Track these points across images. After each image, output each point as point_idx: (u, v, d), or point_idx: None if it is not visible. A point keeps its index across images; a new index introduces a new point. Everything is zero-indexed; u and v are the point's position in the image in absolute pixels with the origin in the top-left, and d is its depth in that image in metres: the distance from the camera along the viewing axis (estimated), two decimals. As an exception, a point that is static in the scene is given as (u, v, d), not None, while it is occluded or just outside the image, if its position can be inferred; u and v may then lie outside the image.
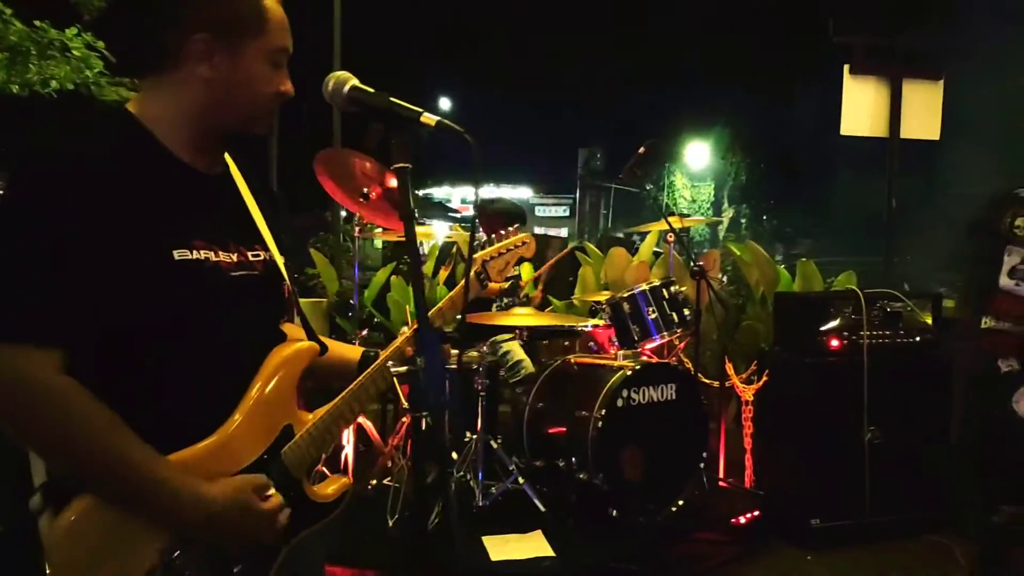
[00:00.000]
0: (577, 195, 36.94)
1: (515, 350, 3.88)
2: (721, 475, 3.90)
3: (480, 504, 3.20)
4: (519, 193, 41.03)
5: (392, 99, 1.18)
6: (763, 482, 3.81)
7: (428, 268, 5.19)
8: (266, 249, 1.39)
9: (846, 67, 4.91)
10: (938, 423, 3.75)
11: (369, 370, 1.42)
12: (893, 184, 5.01)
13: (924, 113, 4.94)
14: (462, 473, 3.24)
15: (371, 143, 1.18)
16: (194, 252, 1.24)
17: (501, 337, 3.93)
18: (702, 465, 3.48)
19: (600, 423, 3.10)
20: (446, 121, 1.17)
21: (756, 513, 3.61)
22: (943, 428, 3.80)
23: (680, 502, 3.35)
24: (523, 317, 3.37)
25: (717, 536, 3.52)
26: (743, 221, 26.75)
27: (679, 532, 3.44)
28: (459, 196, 39.26)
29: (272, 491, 1.27)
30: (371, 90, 1.19)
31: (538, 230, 40.91)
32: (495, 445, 3.24)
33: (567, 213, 40.47)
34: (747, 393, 3.97)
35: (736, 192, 26.42)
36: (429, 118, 1.17)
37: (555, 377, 3.45)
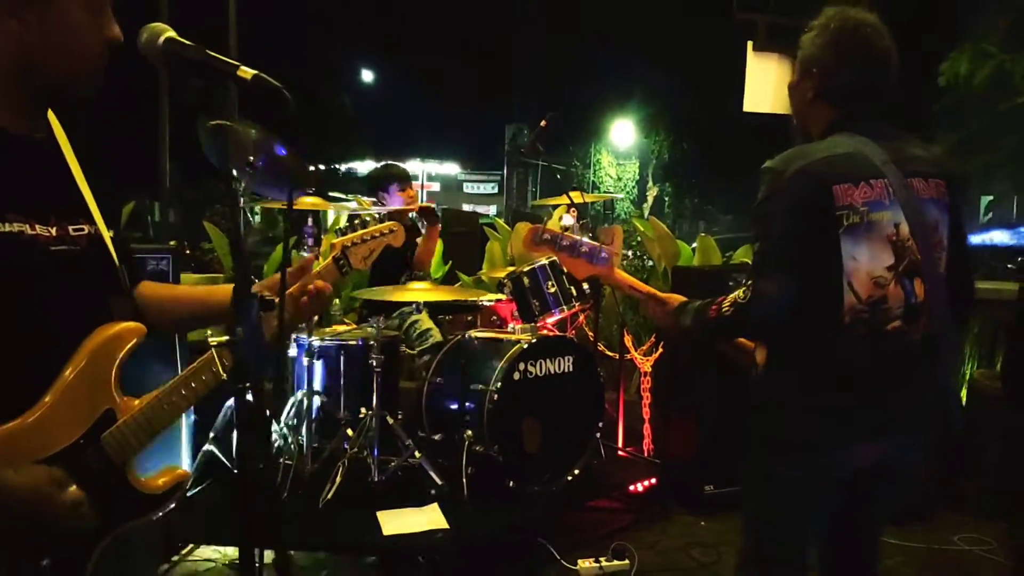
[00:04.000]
0: (505, 172, 36.84)
1: (423, 319, 3.85)
2: (620, 445, 3.97)
3: (376, 479, 3.17)
4: (446, 169, 40.61)
5: (209, 52, 1.11)
6: (661, 451, 3.89)
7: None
8: (92, 223, 1.31)
9: (749, 44, 4.99)
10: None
11: (199, 360, 1.34)
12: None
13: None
14: (356, 449, 3.19)
15: (191, 99, 1.11)
16: (6, 225, 1.16)
17: (409, 309, 3.89)
18: (598, 435, 3.53)
19: (496, 396, 3.10)
20: (264, 76, 1.11)
21: (653, 481, 3.69)
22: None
23: (576, 471, 3.39)
24: (419, 292, 3.33)
25: (614, 504, 3.60)
26: (666, 199, 27.18)
27: (577, 500, 3.50)
28: (385, 171, 38.62)
29: (72, 486, 1.18)
30: (188, 43, 1.12)
31: (467, 207, 40.70)
32: (391, 421, 3.21)
33: (495, 190, 40.30)
34: (646, 365, 4.04)
35: (659, 171, 26.82)
36: (246, 71, 1.10)
37: (454, 351, 3.43)
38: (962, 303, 1.73)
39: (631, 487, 3.64)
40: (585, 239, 1.99)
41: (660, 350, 3.99)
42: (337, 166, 30.73)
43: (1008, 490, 3.04)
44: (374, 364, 3.17)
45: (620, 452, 3.93)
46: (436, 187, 40.67)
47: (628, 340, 3.98)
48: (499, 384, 3.10)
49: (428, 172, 40.30)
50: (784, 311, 1.59)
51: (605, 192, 29.30)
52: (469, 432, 3.14)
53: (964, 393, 4.33)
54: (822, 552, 1.82)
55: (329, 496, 3.01)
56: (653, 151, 27.37)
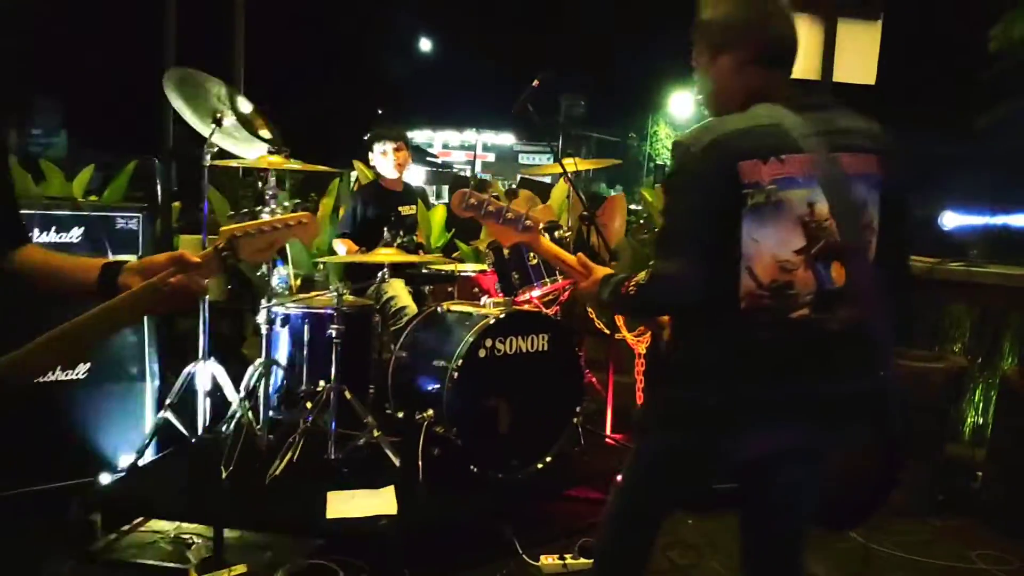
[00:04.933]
0: (560, 143, 36.35)
1: (400, 295, 3.66)
2: (608, 431, 3.73)
3: (333, 457, 3.01)
4: (502, 139, 40.36)
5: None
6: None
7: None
8: None
9: (780, 5, 4.60)
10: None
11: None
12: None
13: (859, 55, 4.65)
14: (312, 425, 3.03)
15: None
16: None
17: (391, 282, 3.70)
18: (578, 420, 3.30)
19: (456, 374, 2.89)
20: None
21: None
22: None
23: (549, 459, 3.17)
24: (384, 256, 3.13)
25: (595, 494, 3.37)
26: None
27: (551, 489, 3.28)
28: (440, 141, 38.55)
29: None
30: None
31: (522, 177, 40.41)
32: (348, 395, 3.03)
33: (550, 161, 39.89)
34: (639, 346, 3.77)
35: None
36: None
37: (424, 325, 3.23)
38: (899, 289, 1.61)
39: (616, 477, 3.40)
40: (509, 206, 1.94)
41: (655, 331, 3.72)
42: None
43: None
44: (333, 335, 2.99)
45: (607, 439, 3.69)
46: (491, 157, 40.54)
47: (620, 319, 3.71)
48: (460, 362, 2.89)
49: (484, 142, 40.12)
50: (684, 294, 1.52)
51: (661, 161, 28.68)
52: (429, 412, 2.95)
53: (986, 393, 3.96)
54: (744, 545, 1.76)
55: (277, 472, 2.86)
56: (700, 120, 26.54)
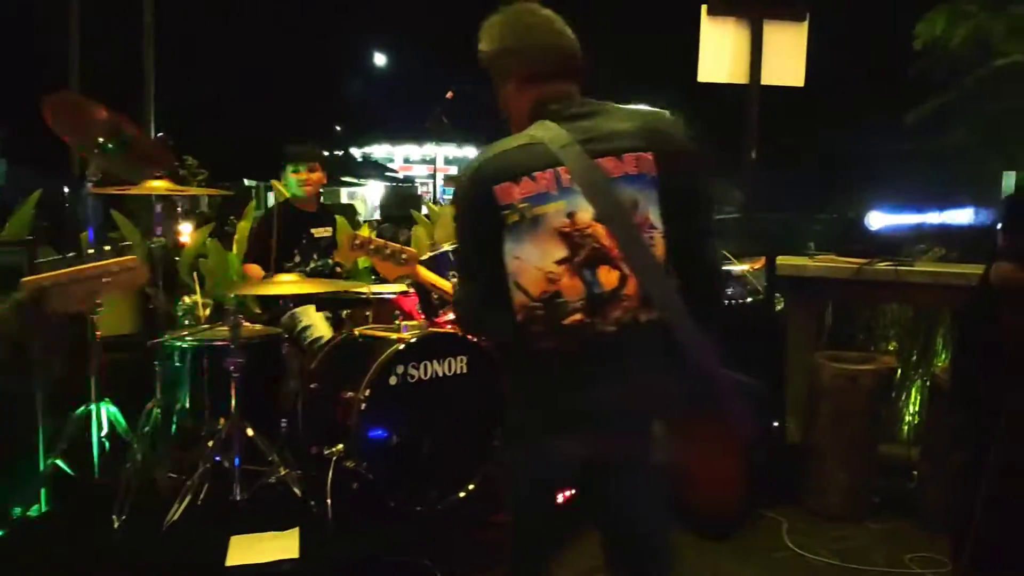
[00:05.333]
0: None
1: (315, 322, 3.51)
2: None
3: (237, 498, 2.85)
4: (464, 152, 40.23)
5: None
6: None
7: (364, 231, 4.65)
8: None
9: (703, 8, 4.55)
10: (770, 386, 3.51)
11: None
12: (750, 134, 4.70)
13: (787, 58, 4.61)
14: (213, 464, 2.86)
15: None
16: None
17: (303, 309, 3.55)
18: (497, 443, 3.17)
19: (364, 405, 2.76)
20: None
21: (570, 493, 3.33)
22: (775, 392, 3.56)
23: (471, 486, 3.04)
24: (288, 285, 2.99)
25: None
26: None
27: (477, 517, 3.15)
28: (401, 155, 38.32)
29: None
30: None
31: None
32: (251, 432, 2.87)
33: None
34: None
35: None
36: None
37: (335, 352, 3.09)
38: (700, 281, 1.64)
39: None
40: (390, 243, 2.30)
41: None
42: (351, 150, 30.53)
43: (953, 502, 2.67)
44: (232, 368, 2.84)
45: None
46: (454, 170, 40.36)
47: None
48: (368, 392, 2.76)
49: (445, 155, 39.94)
50: (472, 315, 1.72)
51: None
52: (339, 446, 2.80)
53: (920, 392, 3.92)
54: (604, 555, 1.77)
55: (175, 517, 2.70)
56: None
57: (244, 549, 2.60)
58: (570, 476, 1.66)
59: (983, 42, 4.13)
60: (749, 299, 3.47)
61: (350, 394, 2.80)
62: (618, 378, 1.56)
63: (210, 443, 2.88)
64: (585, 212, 1.55)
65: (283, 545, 2.63)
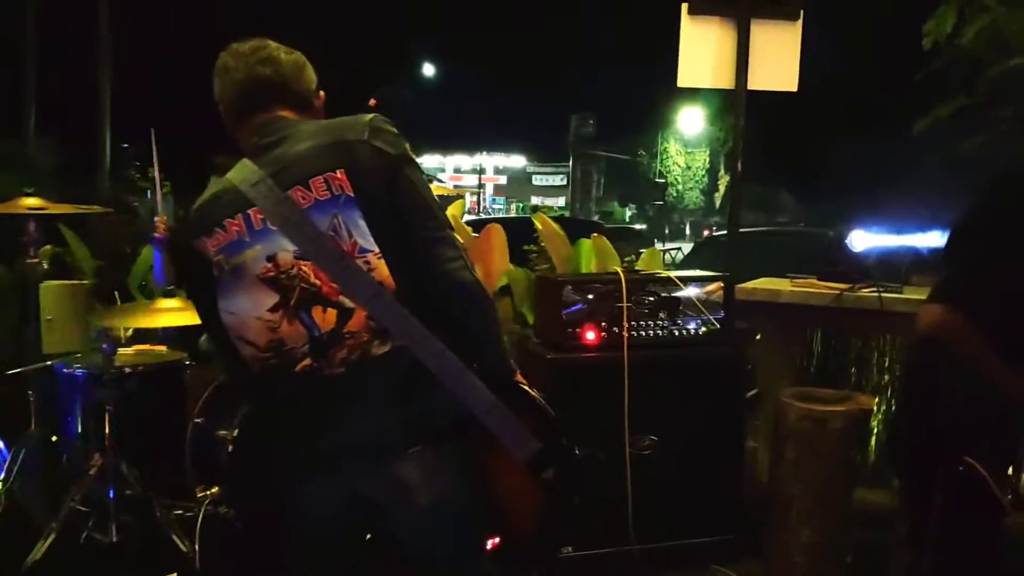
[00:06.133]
0: (570, 163, 36.07)
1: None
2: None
3: (114, 541, 2.63)
4: (513, 162, 40.27)
5: None
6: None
7: None
8: None
9: (684, 7, 4.18)
10: (727, 430, 3.13)
11: None
12: (739, 144, 4.30)
13: (778, 60, 4.20)
14: (79, 503, 2.64)
15: None
16: None
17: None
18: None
19: (231, 447, 2.50)
20: None
21: (496, 540, 3.01)
22: (734, 436, 3.17)
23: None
24: (167, 315, 2.75)
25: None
26: (721, 187, 25.77)
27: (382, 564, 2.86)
28: (452, 165, 38.43)
29: None
30: None
31: (535, 199, 40.20)
32: (125, 470, 2.65)
33: (564, 182, 39.62)
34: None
35: (722, 159, 25.44)
36: None
37: (225, 384, 2.84)
38: (438, 298, 1.52)
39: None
40: None
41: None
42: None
43: None
44: (104, 399, 2.62)
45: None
46: (503, 180, 40.39)
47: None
48: (237, 432, 2.50)
49: (495, 165, 39.96)
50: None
51: (660, 180, 28.14)
52: (214, 489, 2.55)
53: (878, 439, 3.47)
54: None
55: (37, 557, 2.49)
56: (719, 139, 26.00)
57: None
58: (342, 519, 1.56)
59: (999, 40, 3.67)
60: (702, 330, 3.08)
61: (223, 432, 2.54)
62: (354, 419, 1.49)
63: (83, 479, 2.66)
64: (286, 252, 1.48)
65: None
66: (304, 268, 1.47)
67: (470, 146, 37.68)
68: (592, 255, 3.64)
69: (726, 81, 4.21)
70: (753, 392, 3.77)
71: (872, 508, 3.29)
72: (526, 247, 4.10)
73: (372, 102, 3.39)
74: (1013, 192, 1.76)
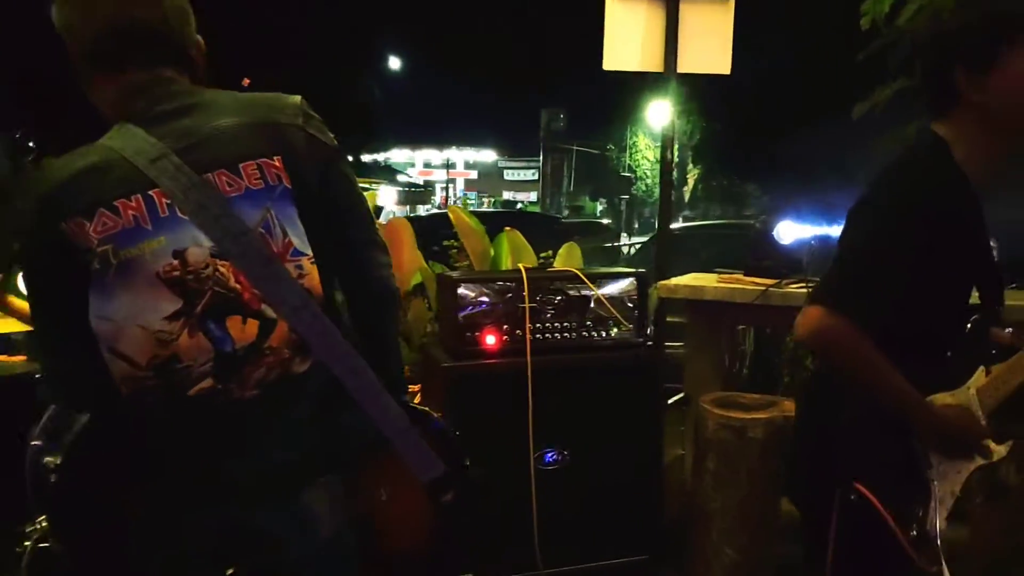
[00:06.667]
0: (541, 158, 35.88)
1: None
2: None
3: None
4: (483, 156, 39.95)
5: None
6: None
7: None
8: None
9: (608, -15, 3.91)
10: (644, 440, 2.86)
11: None
12: (671, 131, 4.05)
13: (710, 41, 3.96)
14: None
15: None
16: None
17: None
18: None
19: (55, 474, 2.19)
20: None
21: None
22: (651, 446, 2.91)
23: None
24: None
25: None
26: (689, 181, 25.70)
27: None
28: (421, 160, 38.02)
29: None
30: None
31: (507, 194, 39.96)
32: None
33: (536, 176, 39.39)
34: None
35: (689, 152, 25.29)
36: None
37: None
38: (366, 310, 1.39)
39: None
40: None
41: (417, 388, 3.02)
42: (367, 156, 30.21)
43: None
44: None
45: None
46: (474, 174, 40.08)
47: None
48: (60, 459, 2.19)
49: (465, 159, 39.61)
50: (58, 394, 1.39)
51: (627, 175, 28.00)
52: (43, 523, 2.25)
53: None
54: None
55: None
56: (686, 131, 25.84)
57: None
58: (211, 555, 1.30)
59: (937, 18, 3.43)
60: (613, 331, 2.82)
61: (49, 459, 2.23)
62: (264, 446, 1.26)
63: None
64: (199, 248, 1.20)
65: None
66: (221, 269, 1.21)
67: (440, 140, 37.34)
68: (506, 251, 3.36)
69: (655, 64, 3.97)
70: (679, 396, 3.53)
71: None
72: (445, 242, 3.79)
73: (245, 82, 3.08)
74: (898, 176, 1.51)
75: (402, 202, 29.11)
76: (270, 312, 1.24)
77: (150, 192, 1.19)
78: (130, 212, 1.18)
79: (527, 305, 2.73)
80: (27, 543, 2.38)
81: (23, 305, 1.57)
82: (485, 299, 2.76)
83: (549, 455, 2.76)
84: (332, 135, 1.36)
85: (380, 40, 28.42)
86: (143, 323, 1.19)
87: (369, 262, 1.39)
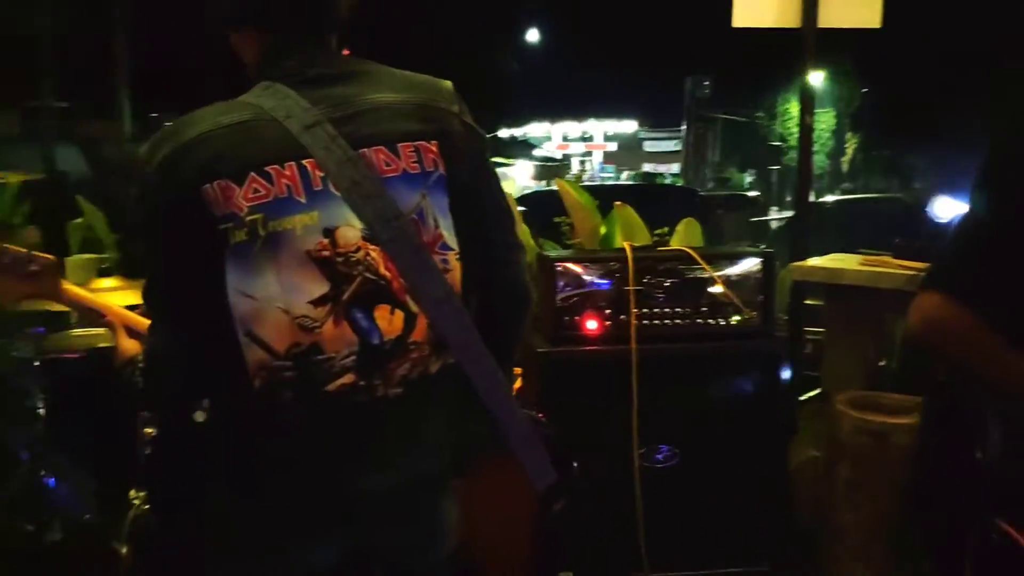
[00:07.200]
0: (684, 128, 34.69)
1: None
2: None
3: (55, 539, 2.43)
4: (623, 127, 39.06)
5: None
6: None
7: None
8: None
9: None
10: (766, 440, 2.58)
11: None
12: (806, 95, 3.63)
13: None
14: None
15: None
16: None
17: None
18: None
19: (150, 448, 2.22)
20: None
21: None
22: (774, 448, 2.62)
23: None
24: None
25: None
26: (848, 151, 23.88)
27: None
28: (559, 133, 37.75)
29: None
30: None
31: (647, 166, 39.03)
32: (60, 468, 2.44)
33: (678, 147, 38.15)
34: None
35: (847, 121, 23.51)
36: None
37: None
38: (503, 313, 1.28)
39: None
40: (9, 247, 1.44)
41: (519, 372, 2.86)
42: (504, 132, 30.35)
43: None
44: (31, 388, 2.42)
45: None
46: (613, 147, 39.37)
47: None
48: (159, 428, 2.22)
49: (605, 131, 38.96)
50: (163, 372, 1.18)
51: (778, 144, 26.42)
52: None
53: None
54: None
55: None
56: (842, 97, 24.05)
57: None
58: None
59: None
60: (733, 319, 2.53)
61: (148, 429, 2.27)
62: (406, 453, 1.17)
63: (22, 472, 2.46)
64: (351, 228, 1.09)
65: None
66: (372, 253, 1.11)
67: (579, 112, 36.83)
68: (617, 227, 3.11)
69: (792, 19, 3.56)
70: (815, 393, 3.18)
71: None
72: (556, 219, 3.59)
73: (345, 53, 2.95)
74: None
75: (538, 177, 29.03)
76: (413, 305, 1.14)
77: (304, 161, 1.08)
78: (283, 181, 1.08)
79: (631, 288, 2.50)
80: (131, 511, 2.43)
81: (79, 292, 1.50)
82: (587, 280, 2.56)
83: (660, 452, 2.54)
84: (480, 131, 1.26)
85: (518, 11, 28.21)
86: (285, 305, 1.07)
87: (510, 264, 1.29)
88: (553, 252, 2.70)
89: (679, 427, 2.51)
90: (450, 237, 1.16)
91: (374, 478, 1.14)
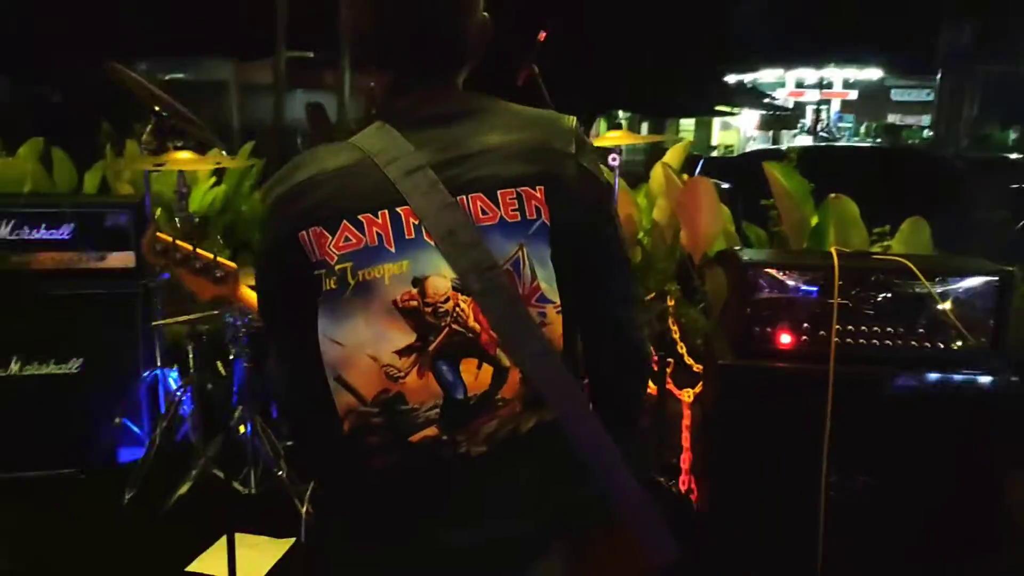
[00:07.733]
0: (938, 78, 30.85)
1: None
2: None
3: (253, 492, 2.70)
4: (866, 74, 35.43)
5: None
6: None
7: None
8: None
9: None
10: (976, 483, 2.26)
11: None
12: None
13: None
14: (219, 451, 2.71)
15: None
16: None
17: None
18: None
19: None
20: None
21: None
22: (986, 493, 2.28)
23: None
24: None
25: None
26: None
27: None
28: (793, 79, 35.10)
29: None
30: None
31: (892, 117, 35.33)
32: (261, 425, 2.66)
33: (930, 96, 34.08)
34: (685, 395, 2.77)
35: None
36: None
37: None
38: (614, 372, 1.23)
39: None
40: (201, 252, 1.69)
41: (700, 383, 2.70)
42: (731, 77, 28.67)
43: None
44: (235, 350, 2.65)
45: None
46: (853, 95, 36.01)
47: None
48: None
49: (845, 78, 35.68)
50: (284, 400, 1.29)
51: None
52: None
53: None
54: None
55: (170, 504, 2.63)
56: None
57: (217, 557, 2.43)
58: None
59: None
60: (955, 344, 2.19)
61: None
62: (484, 512, 1.12)
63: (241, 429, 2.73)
64: (441, 278, 1.07)
65: (259, 558, 2.42)
66: (462, 304, 1.08)
67: (818, 58, 34.00)
68: (832, 221, 2.79)
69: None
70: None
71: None
72: (764, 201, 3.31)
73: (540, 37, 2.83)
74: None
75: (764, 127, 27.28)
76: (504, 359, 1.09)
77: (398, 209, 1.07)
78: (375, 229, 1.07)
79: (835, 300, 2.24)
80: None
81: (253, 297, 1.62)
82: (784, 287, 2.33)
83: (851, 481, 2.31)
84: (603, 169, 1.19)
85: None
86: (374, 353, 1.07)
87: (624, 322, 1.22)
88: (746, 254, 2.47)
89: (873, 458, 2.26)
90: (549, 290, 1.09)
91: (457, 533, 1.11)
